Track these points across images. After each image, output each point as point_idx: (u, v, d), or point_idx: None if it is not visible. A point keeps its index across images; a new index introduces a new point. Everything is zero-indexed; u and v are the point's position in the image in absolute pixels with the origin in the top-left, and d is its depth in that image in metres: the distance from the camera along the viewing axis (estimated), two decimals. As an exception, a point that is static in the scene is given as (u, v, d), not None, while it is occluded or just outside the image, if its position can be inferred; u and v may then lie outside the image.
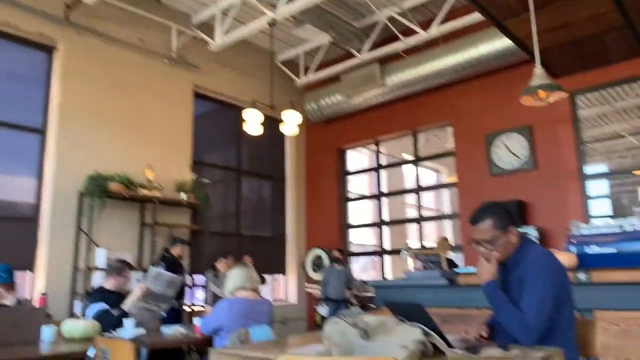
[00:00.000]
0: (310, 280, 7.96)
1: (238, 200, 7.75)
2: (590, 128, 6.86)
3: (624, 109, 7.94)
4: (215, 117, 7.68)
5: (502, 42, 5.98)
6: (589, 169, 6.04)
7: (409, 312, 1.77)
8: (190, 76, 7.04)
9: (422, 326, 1.67)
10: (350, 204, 8.37)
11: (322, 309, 6.80)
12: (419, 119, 7.38)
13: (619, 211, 8.31)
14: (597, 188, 6.87)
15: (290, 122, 6.10)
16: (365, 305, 6.87)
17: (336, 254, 7.04)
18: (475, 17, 5.81)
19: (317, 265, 7.91)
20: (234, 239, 7.56)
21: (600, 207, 6.85)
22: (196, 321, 3.39)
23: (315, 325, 7.60)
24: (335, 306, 6.79)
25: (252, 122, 5.92)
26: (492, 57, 6.19)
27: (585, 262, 3.52)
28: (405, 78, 6.92)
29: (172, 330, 3.46)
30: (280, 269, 8.15)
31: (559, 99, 4.18)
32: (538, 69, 4.13)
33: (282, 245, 8.22)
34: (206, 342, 3.41)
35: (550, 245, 5.53)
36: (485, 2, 4.36)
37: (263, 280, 6.35)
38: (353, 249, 8.39)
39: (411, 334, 1.65)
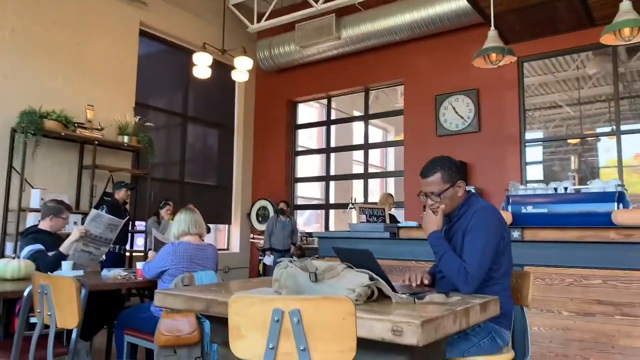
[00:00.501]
0: (254, 231, 7.99)
1: (183, 147, 7.54)
2: (532, 96, 7.14)
3: (564, 80, 8.28)
4: (162, 58, 7.32)
5: (457, 3, 6.00)
6: (528, 135, 6.31)
7: (357, 258, 1.81)
8: (136, 13, 6.62)
9: (369, 272, 1.72)
10: (298, 157, 8.36)
11: (267, 259, 6.89)
12: (372, 76, 7.37)
13: (550, 177, 8.81)
14: (534, 154, 7.23)
15: (242, 69, 5.92)
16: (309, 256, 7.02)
17: (282, 205, 7.09)
18: (435, -26, 5.77)
19: (262, 216, 7.93)
20: (178, 186, 7.40)
21: (535, 172, 7.24)
22: (139, 265, 3.32)
23: (258, 274, 7.70)
24: (279, 256, 6.89)
25: (202, 66, 5.70)
26: (447, 17, 6.21)
27: (520, 220, 3.73)
28: (361, 32, 6.84)
29: (113, 273, 3.38)
30: (225, 218, 8.10)
31: (508, 62, 4.30)
32: (492, 32, 4.19)
33: (228, 195, 8.15)
34: (148, 286, 3.38)
35: (487, 205, 5.81)
36: (447, -42, 4.32)
37: (207, 230, 6.32)
38: (299, 201, 8.45)
39: (359, 278, 1.69)
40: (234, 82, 7.47)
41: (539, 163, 8.28)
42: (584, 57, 6.66)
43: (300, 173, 8.40)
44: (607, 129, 6.63)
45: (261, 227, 7.87)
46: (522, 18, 5.38)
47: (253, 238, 7.93)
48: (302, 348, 1.20)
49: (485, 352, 1.97)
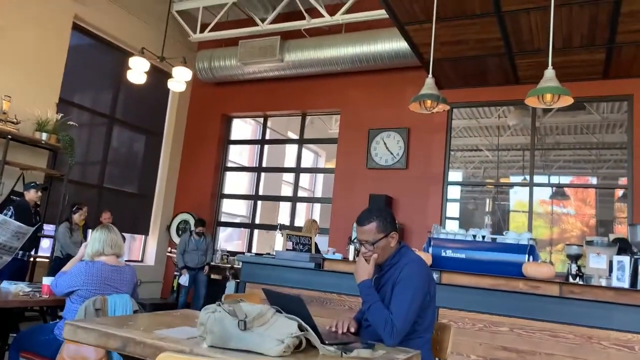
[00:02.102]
0: (173, 245, 7.70)
1: (106, 150, 7.16)
2: (456, 137, 7.55)
3: (486, 126, 8.85)
4: (95, 56, 6.94)
5: (399, 44, 6.24)
6: (450, 174, 6.64)
7: (287, 304, 1.79)
8: (72, 5, 6.25)
9: (299, 320, 1.70)
10: (227, 173, 8.21)
11: (182, 278, 6.62)
12: (310, 102, 7.44)
13: (466, 214, 9.30)
14: (453, 192, 7.61)
15: (180, 79, 5.76)
16: (226, 277, 6.87)
17: (199, 230, 6.74)
18: (380, 13, 5.97)
19: (183, 230, 7.67)
20: (96, 191, 6.99)
21: (453, 209, 7.61)
22: (45, 280, 3.07)
23: (171, 290, 7.40)
24: (193, 274, 6.68)
25: (138, 71, 5.47)
26: (388, 56, 6.44)
27: (439, 263, 3.89)
28: (304, 58, 6.91)
29: (15, 288, 3.10)
30: (142, 229, 7.74)
31: (442, 110, 4.51)
32: (429, 79, 4.38)
33: (148, 204, 7.81)
34: (54, 305, 3.13)
35: (407, 239, 6.01)
36: (394, 3, 4.51)
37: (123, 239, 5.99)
38: (223, 218, 8.27)
39: (288, 327, 1.66)
40: (168, 89, 7.24)
41: (456, 201, 8.73)
42: (506, 108, 7.17)
43: (227, 189, 8.24)
44: (520, 177, 7.13)
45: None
46: (456, 68, 5.73)
47: (171, 252, 7.64)
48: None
49: (403, 404, 2.01)
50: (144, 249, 7.82)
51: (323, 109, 7.50)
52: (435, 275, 3.70)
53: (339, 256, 4.51)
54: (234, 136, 8.40)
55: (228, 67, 7.48)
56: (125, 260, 3.98)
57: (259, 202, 8.19)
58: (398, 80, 6.63)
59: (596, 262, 3.49)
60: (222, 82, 7.87)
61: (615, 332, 3.18)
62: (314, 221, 6.38)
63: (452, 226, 7.12)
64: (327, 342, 1.74)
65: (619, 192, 6.94)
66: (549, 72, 3.90)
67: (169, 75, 5.92)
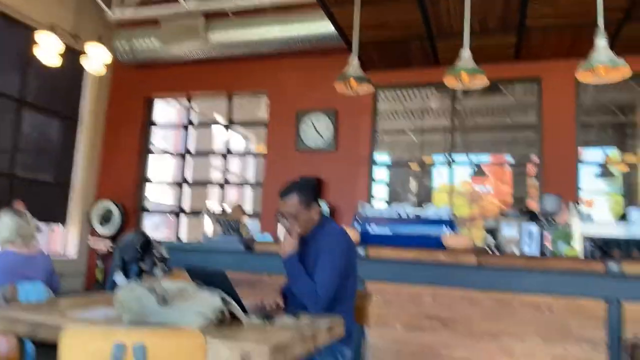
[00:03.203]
0: (95, 233, 7.34)
1: (16, 136, 6.65)
2: (383, 121, 7.73)
3: (411, 110, 9.13)
4: (-3, 32, 6.37)
5: (325, 26, 6.25)
6: (377, 157, 6.80)
7: (210, 278, 1.77)
8: (-33, -26, 5.70)
9: (222, 293, 1.69)
10: (151, 158, 7.91)
11: (119, 278, 6.30)
12: (236, 83, 7.31)
13: (394, 195, 9.61)
14: (381, 174, 7.82)
15: (96, 59, 5.45)
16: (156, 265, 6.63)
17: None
18: (306, -5, 5.95)
19: (106, 218, 7.32)
20: (5, 179, 6.49)
21: (381, 190, 7.81)
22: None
23: (95, 282, 7.07)
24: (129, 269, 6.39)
25: (48, 50, 5.11)
26: (315, 38, 6.44)
27: (366, 239, 4.00)
28: (229, 39, 6.76)
29: None
30: (60, 218, 7.30)
31: (366, 91, 4.60)
32: (354, 60, 4.45)
33: (66, 192, 7.37)
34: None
35: (337, 220, 6.11)
36: (319, -16, 4.50)
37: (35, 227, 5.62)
38: (148, 205, 7.98)
39: (210, 301, 1.64)
40: (84, 70, 6.83)
41: (384, 183, 8.97)
42: (429, 92, 7.43)
43: (153, 175, 7.95)
44: (442, 157, 7.45)
45: (103, 230, 7.26)
46: (381, 50, 5.85)
47: (92, 241, 7.27)
48: (145, 383, 1.13)
49: (328, 371, 2.06)
50: (64, 241, 7.39)
51: (250, 90, 7.40)
52: (362, 251, 3.81)
53: (269, 237, 4.51)
54: (157, 120, 8.09)
55: (150, 48, 7.16)
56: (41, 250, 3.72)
57: (187, 188, 7.97)
58: (325, 63, 6.65)
59: (509, 231, 3.73)
60: (144, 64, 7.53)
61: (525, 295, 3.42)
62: (239, 206, 6.30)
63: (380, 206, 7.33)
64: (251, 314, 1.74)
65: (532, 171, 7.45)
66: (465, 53, 4.08)
67: (84, 55, 5.57)
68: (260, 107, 9.03)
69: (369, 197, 6.52)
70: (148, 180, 7.81)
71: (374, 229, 4.02)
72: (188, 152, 7.97)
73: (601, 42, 3.58)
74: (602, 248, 3.90)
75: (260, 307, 2.08)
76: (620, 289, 3.24)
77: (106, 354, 1.10)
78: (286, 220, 2.18)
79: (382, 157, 8.82)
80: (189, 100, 7.88)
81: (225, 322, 1.64)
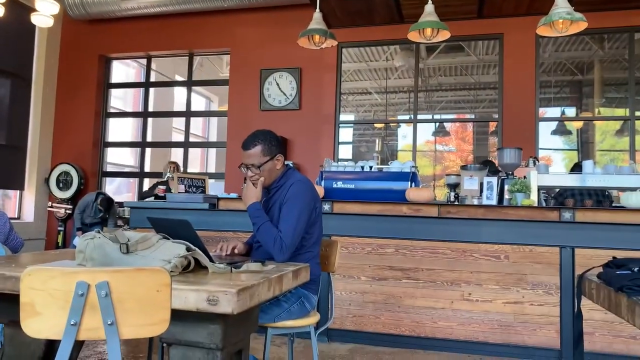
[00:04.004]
0: (54, 199, 7.13)
1: (-38, 97, 6.29)
2: (347, 81, 7.69)
3: (375, 69, 9.11)
4: None
5: (287, -20, 6.10)
6: (342, 117, 6.79)
7: (174, 229, 1.75)
8: None
9: (187, 242, 1.68)
10: (110, 120, 7.66)
11: (78, 240, 6.14)
12: (197, 41, 7.08)
13: (358, 156, 9.67)
14: (346, 134, 7.83)
15: (44, 13, 5.14)
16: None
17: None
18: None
19: (65, 182, 7.10)
20: (-47, 143, 6.17)
21: (346, 150, 7.86)
22: None
23: (56, 246, 6.92)
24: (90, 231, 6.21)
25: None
26: (277, -8, 6.27)
27: (331, 194, 4.03)
28: (188, -8, 6.50)
29: None
30: (16, 183, 7.04)
31: (330, 46, 4.54)
32: (317, 14, 4.37)
33: (21, 156, 7.08)
34: None
35: (303, 179, 6.12)
36: None
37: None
38: (108, 168, 7.78)
39: (175, 249, 1.64)
40: (34, 26, 6.46)
41: (349, 143, 9.03)
42: (392, 50, 7.40)
43: (112, 137, 7.72)
44: (406, 117, 7.51)
45: (62, 194, 7.05)
46: (344, 5, 5.75)
47: (52, 207, 7.07)
48: (109, 322, 1.12)
49: (294, 316, 2.11)
50: (20, 205, 7.15)
51: (212, 48, 7.19)
52: (327, 206, 3.85)
53: (234, 195, 4.48)
54: (114, 79, 7.79)
55: (103, 2, 6.82)
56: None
57: (148, 150, 7.79)
58: (288, 18, 6.51)
59: (469, 184, 3.83)
60: (98, 20, 7.17)
61: (484, 244, 3.56)
62: (173, 162, 6.15)
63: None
64: (216, 262, 1.74)
65: (493, 128, 7.61)
66: (429, 7, 4.07)
67: (32, 9, 5.24)
68: (222, 68, 8.82)
69: (334, 156, 6.54)
70: (108, 144, 7.58)
71: (338, 184, 4.05)
72: (148, 113, 7.74)
73: (561, -4, 3.62)
74: (557, 198, 4.07)
75: (226, 256, 2.08)
76: (573, 236, 3.41)
77: (69, 293, 1.09)
78: (250, 172, 2.16)
79: (347, 116, 8.81)
80: (149, 60, 7.60)
81: (191, 269, 1.64)
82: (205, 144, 10.08)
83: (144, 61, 7.70)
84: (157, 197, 4.81)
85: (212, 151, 10.39)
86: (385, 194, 3.92)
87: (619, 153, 7.18)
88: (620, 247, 3.26)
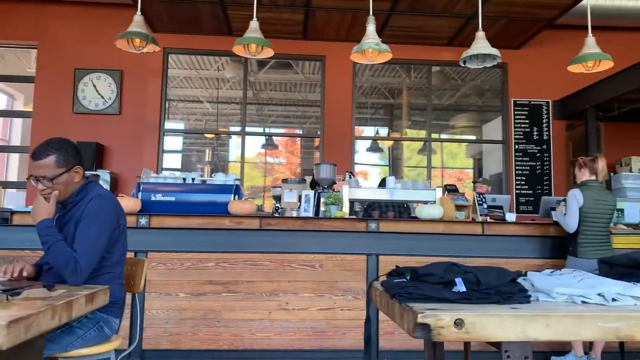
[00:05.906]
0: None
1: None
2: (176, 88, 7.44)
3: (206, 78, 9.00)
4: None
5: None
6: (169, 125, 6.54)
7: None
8: None
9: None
10: None
11: None
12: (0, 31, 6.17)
13: (188, 166, 9.41)
14: (174, 143, 7.55)
15: None
16: None
17: None
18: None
19: None
20: None
21: (173, 160, 7.57)
22: None
23: None
24: None
25: None
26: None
27: (149, 208, 3.82)
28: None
29: None
30: None
31: (152, 51, 4.34)
32: (138, 17, 4.14)
33: None
34: None
35: (121, 190, 5.71)
36: None
37: None
38: None
39: None
40: None
41: (178, 152, 8.72)
42: (224, 61, 7.38)
43: None
44: (238, 129, 7.54)
45: None
46: (170, 10, 5.56)
47: None
48: None
49: (91, 343, 1.93)
50: None
51: (16, 40, 6.31)
52: (144, 220, 3.64)
53: (29, 209, 3.96)
54: None
55: None
56: None
57: None
58: (110, 17, 6.05)
59: (289, 197, 3.98)
60: None
61: (302, 254, 3.72)
62: None
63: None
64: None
65: (317, 144, 8.06)
66: (254, 23, 4.15)
67: None
68: (30, 64, 7.83)
69: (158, 166, 6.25)
70: None
71: (157, 197, 3.86)
72: None
73: (370, 27, 4.01)
74: (367, 210, 4.46)
75: (6, 281, 1.81)
76: (378, 245, 3.77)
77: None
78: (41, 184, 1.93)
79: (175, 124, 8.51)
80: None
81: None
82: (5, 148, 8.79)
83: None
84: None
85: (15, 156, 9.09)
86: (208, 206, 3.85)
87: (423, 169, 8.19)
88: (416, 254, 3.69)
